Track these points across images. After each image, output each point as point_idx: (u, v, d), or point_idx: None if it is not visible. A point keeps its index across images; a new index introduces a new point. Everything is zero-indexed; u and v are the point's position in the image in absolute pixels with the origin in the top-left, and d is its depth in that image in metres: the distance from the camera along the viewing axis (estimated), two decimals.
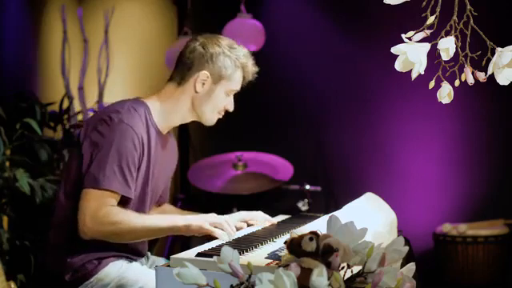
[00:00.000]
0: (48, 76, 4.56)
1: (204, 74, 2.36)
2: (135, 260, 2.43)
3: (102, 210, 2.16)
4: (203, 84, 2.37)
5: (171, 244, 4.49)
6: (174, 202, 4.95)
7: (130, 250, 2.40)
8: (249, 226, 2.48)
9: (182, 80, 2.39)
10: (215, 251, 1.92)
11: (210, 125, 2.47)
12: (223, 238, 2.19)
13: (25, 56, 4.41)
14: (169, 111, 2.39)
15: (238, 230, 2.39)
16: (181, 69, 2.40)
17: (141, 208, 2.36)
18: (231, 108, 2.46)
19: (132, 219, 2.21)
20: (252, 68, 2.46)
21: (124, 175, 2.20)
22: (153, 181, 2.39)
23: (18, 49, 4.34)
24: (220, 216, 2.30)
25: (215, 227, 2.23)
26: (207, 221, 2.23)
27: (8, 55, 4.23)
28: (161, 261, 2.54)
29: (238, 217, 2.47)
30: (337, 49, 4.88)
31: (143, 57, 4.98)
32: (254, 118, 5.13)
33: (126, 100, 2.39)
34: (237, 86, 2.43)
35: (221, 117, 2.47)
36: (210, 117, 2.43)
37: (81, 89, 4.69)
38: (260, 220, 2.49)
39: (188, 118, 2.44)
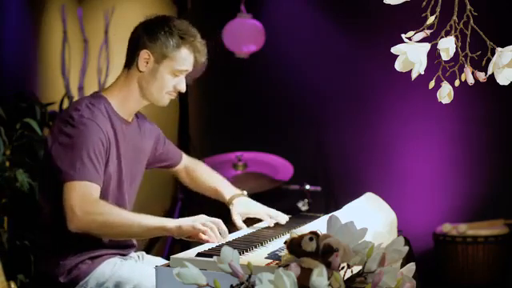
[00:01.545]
0: (48, 76, 4.56)
1: (145, 53, 2.35)
2: (127, 254, 2.43)
3: (88, 200, 2.16)
4: (146, 63, 2.35)
5: (171, 244, 4.49)
6: (174, 201, 4.94)
7: (120, 245, 2.40)
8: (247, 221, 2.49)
9: (129, 64, 2.40)
10: (215, 251, 1.92)
11: (162, 105, 2.45)
12: (213, 240, 2.16)
13: (25, 56, 4.41)
14: (125, 98, 2.40)
15: (237, 230, 2.39)
16: (127, 53, 2.42)
17: (120, 197, 2.37)
18: (182, 89, 2.42)
19: (121, 213, 2.21)
20: (200, 46, 2.40)
21: (94, 165, 2.22)
22: (127, 168, 2.40)
23: (18, 49, 4.34)
24: (212, 219, 2.27)
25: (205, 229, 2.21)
26: (199, 222, 2.20)
27: (8, 55, 4.22)
28: (155, 260, 2.53)
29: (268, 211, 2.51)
30: (337, 49, 4.88)
31: None
32: (254, 118, 5.13)
33: (83, 97, 2.42)
34: (184, 65, 2.38)
35: (173, 97, 2.44)
36: (158, 97, 2.40)
37: (81, 89, 4.69)
38: (266, 219, 2.51)
39: (143, 101, 2.43)
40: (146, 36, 2.36)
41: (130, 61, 2.40)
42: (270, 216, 2.53)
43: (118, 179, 2.37)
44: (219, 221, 2.25)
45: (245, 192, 2.66)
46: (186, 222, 2.18)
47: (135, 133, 2.49)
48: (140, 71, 2.36)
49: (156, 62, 2.35)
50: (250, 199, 2.63)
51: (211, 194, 2.74)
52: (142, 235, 2.31)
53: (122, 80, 2.41)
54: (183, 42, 2.36)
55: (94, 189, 2.21)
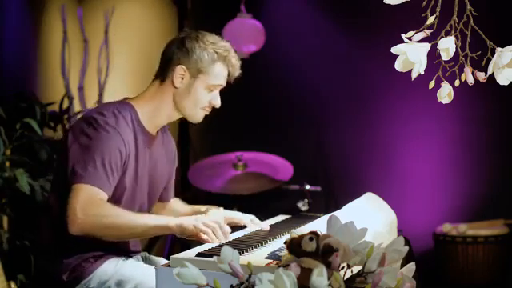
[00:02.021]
0: (48, 76, 4.56)
1: (180, 68, 2.34)
2: (131, 257, 2.43)
3: (91, 202, 2.16)
4: (182, 79, 2.35)
5: (171, 244, 4.49)
6: None
7: (123, 247, 2.40)
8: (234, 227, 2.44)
9: (162, 77, 2.38)
10: (215, 251, 1.92)
11: (195, 122, 2.44)
12: (214, 241, 2.16)
13: (25, 56, 4.41)
14: (154, 111, 2.38)
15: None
16: (161, 66, 2.40)
17: (132, 209, 2.34)
18: (217, 104, 2.42)
19: (124, 214, 2.20)
20: (234, 61, 2.41)
21: (106, 173, 2.20)
22: (143, 181, 2.38)
23: (18, 49, 4.34)
24: (215, 217, 2.27)
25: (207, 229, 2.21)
26: (202, 222, 2.19)
27: (8, 55, 4.23)
28: (161, 261, 2.54)
29: (229, 217, 2.43)
30: (337, 49, 4.88)
31: (143, 57, 4.98)
32: (254, 118, 5.13)
33: (111, 102, 2.39)
34: (218, 80, 2.39)
35: (207, 113, 2.43)
36: (193, 113, 2.40)
37: (81, 89, 4.70)
38: (249, 225, 2.44)
39: (174, 116, 2.42)
40: (181, 51, 2.36)
41: (163, 75, 2.38)
42: (253, 222, 2.48)
43: (133, 191, 2.34)
44: (222, 221, 2.26)
45: (221, 208, 2.62)
46: (188, 221, 2.19)
47: (159, 146, 2.47)
48: (175, 87, 2.36)
49: (191, 77, 2.35)
50: (226, 210, 2.59)
51: (187, 215, 2.66)
52: (145, 235, 2.31)
53: (153, 92, 2.39)
54: (218, 57, 2.36)
55: (99, 193, 2.19)
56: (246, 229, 2.44)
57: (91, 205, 2.15)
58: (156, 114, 2.39)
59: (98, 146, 2.21)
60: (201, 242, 2.21)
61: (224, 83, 2.42)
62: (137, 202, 2.38)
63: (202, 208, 2.59)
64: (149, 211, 2.50)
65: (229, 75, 2.43)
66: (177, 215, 2.55)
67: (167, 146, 2.55)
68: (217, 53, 2.36)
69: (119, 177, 2.27)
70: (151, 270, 2.16)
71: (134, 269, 2.31)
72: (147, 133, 2.38)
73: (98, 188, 2.18)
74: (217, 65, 2.37)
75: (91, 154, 2.20)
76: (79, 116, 4.36)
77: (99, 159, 2.20)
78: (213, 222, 2.20)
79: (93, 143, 2.22)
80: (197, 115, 2.41)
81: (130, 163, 2.30)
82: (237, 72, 2.44)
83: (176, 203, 2.71)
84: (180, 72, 2.34)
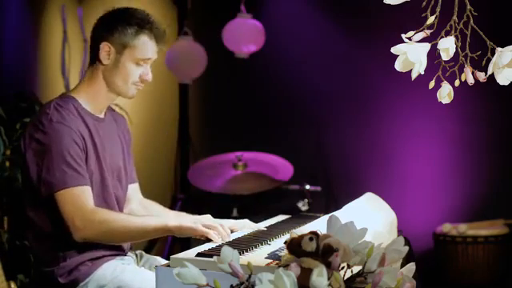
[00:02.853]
0: (48, 76, 4.56)
1: (105, 45, 2.33)
2: (126, 254, 2.42)
3: (85, 208, 2.17)
4: (108, 55, 2.34)
5: (171, 244, 4.49)
6: (174, 201, 4.95)
7: (118, 247, 2.39)
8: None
9: (92, 60, 2.39)
10: (215, 251, 1.92)
11: (129, 98, 2.42)
12: (216, 240, 2.17)
13: (25, 56, 4.41)
14: (93, 94, 2.38)
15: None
16: (90, 49, 2.40)
17: (107, 195, 2.35)
18: (149, 78, 2.39)
19: (122, 218, 2.22)
20: (158, 32, 2.38)
21: (73, 168, 2.20)
22: (107, 165, 2.37)
23: (18, 49, 4.34)
24: (215, 220, 2.28)
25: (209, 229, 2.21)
26: (201, 222, 2.21)
27: (8, 55, 4.22)
28: (155, 260, 2.53)
29: (228, 225, 2.39)
30: (337, 49, 4.88)
31: None
32: (254, 117, 5.13)
33: (51, 100, 2.39)
34: (146, 53, 2.35)
35: (140, 88, 2.41)
36: (124, 89, 2.37)
37: None
38: (247, 229, 2.41)
39: (111, 96, 2.41)
40: (103, 29, 2.36)
41: (93, 56, 2.38)
42: (249, 225, 2.46)
43: (101, 176, 2.34)
44: (222, 222, 2.26)
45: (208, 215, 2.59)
46: (186, 223, 2.19)
47: (110, 127, 2.46)
48: (103, 64, 2.35)
49: (117, 52, 2.33)
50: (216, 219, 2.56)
51: None
52: (145, 237, 2.32)
53: (88, 77, 2.39)
54: (142, 30, 2.34)
55: (83, 192, 2.20)
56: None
57: (83, 212, 2.16)
58: (95, 96, 2.38)
59: (53, 147, 2.21)
60: (203, 241, 2.21)
61: (153, 56, 2.38)
62: (109, 183, 2.37)
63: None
64: (124, 192, 2.49)
65: (156, 45, 2.38)
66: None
67: (121, 127, 2.55)
68: (139, 25, 2.34)
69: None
70: (151, 276, 2.16)
71: (134, 275, 2.31)
72: (95, 117, 2.38)
73: (76, 187, 2.19)
74: (141, 37, 2.34)
75: (51, 158, 2.20)
76: None
77: (61, 160, 2.20)
78: (213, 222, 2.21)
79: (46, 147, 2.22)
80: (129, 91, 2.39)
81: (88, 148, 2.30)
82: (163, 43, 2.41)
83: (156, 206, 2.67)
84: (105, 49, 2.34)
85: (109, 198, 2.37)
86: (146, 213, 2.60)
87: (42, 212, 2.27)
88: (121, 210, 2.45)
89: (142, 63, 2.36)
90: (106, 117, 2.45)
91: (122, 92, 2.39)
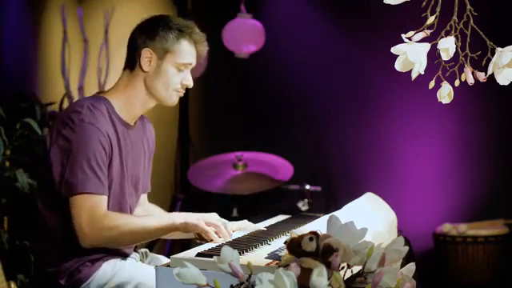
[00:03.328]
0: (48, 76, 4.56)
1: (147, 51, 2.32)
2: (128, 255, 2.42)
3: (96, 215, 2.16)
4: (150, 61, 2.32)
5: (171, 244, 4.49)
6: (174, 201, 4.95)
7: (120, 249, 2.39)
8: None
9: (131, 65, 2.36)
10: (215, 251, 1.92)
11: (170, 105, 2.41)
12: (217, 240, 2.17)
13: (25, 56, 4.41)
14: (129, 100, 2.35)
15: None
16: (128, 54, 2.38)
17: (123, 202, 2.34)
18: (190, 84, 2.38)
19: (130, 221, 2.21)
20: (199, 37, 2.37)
21: (96, 174, 2.19)
22: (129, 173, 2.36)
23: (18, 49, 4.34)
24: (220, 218, 2.29)
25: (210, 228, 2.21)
26: (204, 220, 2.21)
27: (8, 55, 4.22)
28: (160, 259, 2.54)
29: (232, 227, 2.38)
30: (337, 49, 4.88)
31: None
32: (254, 117, 5.13)
33: (85, 98, 2.38)
34: (187, 58, 2.34)
35: (181, 95, 2.40)
36: (166, 95, 2.36)
37: (81, 89, 4.70)
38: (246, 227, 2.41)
39: (149, 103, 2.39)
40: (144, 35, 2.34)
41: (132, 62, 2.35)
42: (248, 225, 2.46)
43: (121, 183, 2.33)
44: (225, 222, 2.26)
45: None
46: (192, 220, 2.20)
47: (138, 135, 2.44)
48: (144, 71, 2.33)
49: (159, 58, 2.32)
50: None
51: None
52: (154, 237, 2.32)
53: (125, 82, 2.37)
54: (182, 35, 2.33)
55: (100, 200, 2.19)
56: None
57: (95, 218, 2.15)
58: (131, 102, 2.36)
59: (79, 148, 2.19)
60: (200, 241, 2.21)
61: (193, 61, 2.38)
62: (126, 191, 2.36)
63: None
64: (137, 200, 2.49)
65: (197, 53, 2.39)
66: None
67: (147, 134, 2.53)
68: (180, 30, 2.33)
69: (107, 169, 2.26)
70: (151, 269, 2.16)
71: (133, 269, 2.31)
72: (125, 123, 2.36)
73: (95, 194, 2.18)
74: (182, 42, 2.34)
75: (75, 158, 2.18)
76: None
77: (85, 162, 2.18)
78: (216, 221, 2.21)
79: (73, 146, 2.20)
80: (171, 98, 2.38)
81: (114, 153, 2.28)
82: (204, 48, 2.40)
83: (157, 210, 2.68)
84: (146, 55, 2.32)
85: (124, 206, 2.36)
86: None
87: (54, 210, 2.25)
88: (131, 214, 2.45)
89: (182, 68, 2.35)
90: (136, 124, 2.43)
91: (162, 98, 2.37)
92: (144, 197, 2.64)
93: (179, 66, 2.34)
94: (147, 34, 2.34)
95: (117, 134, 2.30)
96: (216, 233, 2.20)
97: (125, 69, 2.39)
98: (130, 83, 2.36)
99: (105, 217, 2.17)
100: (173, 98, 2.39)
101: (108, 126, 2.27)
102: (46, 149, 2.27)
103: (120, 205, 2.34)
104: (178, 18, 2.40)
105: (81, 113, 2.23)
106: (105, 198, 2.21)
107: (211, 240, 2.19)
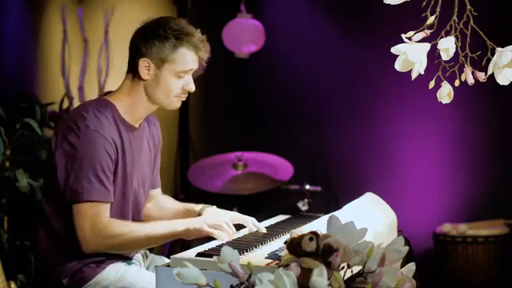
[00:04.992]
0: (48, 76, 4.56)
1: (144, 61, 2.29)
2: (132, 258, 2.43)
3: (99, 223, 2.17)
4: (148, 71, 2.30)
5: (171, 244, 4.49)
6: None
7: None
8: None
9: (133, 71, 2.34)
10: (215, 251, 1.92)
11: (173, 109, 2.40)
12: (222, 239, 2.19)
13: (25, 56, 4.41)
14: (132, 105, 2.34)
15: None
16: (130, 59, 2.36)
17: (125, 206, 2.34)
18: (191, 89, 2.34)
19: (133, 229, 2.22)
20: (198, 42, 2.32)
21: (102, 182, 2.19)
22: (133, 177, 2.36)
23: (18, 49, 4.34)
24: (220, 214, 2.29)
25: (214, 228, 2.22)
26: (206, 223, 2.22)
27: (8, 55, 4.23)
28: (160, 259, 2.54)
29: (232, 217, 2.39)
30: (337, 49, 4.88)
31: None
32: (254, 118, 5.13)
33: (90, 102, 2.36)
34: (186, 65, 2.31)
35: (184, 99, 2.38)
36: (168, 102, 2.35)
37: (81, 89, 4.69)
38: (250, 226, 2.40)
39: (152, 107, 2.38)
40: (141, 44, 2.31)
41: (132, 69, 2.34)
42: (253, 223, 2.45)
43: (123, 187, 2.33)
44: (229, 220, 2.27)
45: (214, 206, 2.59)
46: (194, 225, 2.21)
47: (142, 135, 2.43)
48: (143, 80, 2.31)
49: (157, 67, 2.29)
50: (220, 209, 2.53)
51: (180, 214, 2.57)
52: (156, 244, 2.35)
53: (129, 86, 2.35)
54: (180, 42, 2.29)
55: (104, 208, 2.20)
56: (243, 229, 2.42)
57: (97, 226, 2.16)
58: (135, 107, 2.35)
59: (85, 155, 2.19)
60: (203, 240, 2.22)
61: (194, 66, 2.34)
62: (129, 195, 2.36)
63: (197, 207, 2.55)
64: (145, 197, 2.49)
65: (199, 58, 2.35)
66: (168, 213, 2.56)
67: (152, 131, 2.52)
68: (177, 38, 2.29)
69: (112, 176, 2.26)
70: (153, 276, 2.16)
71: (136, 276, 2.31)
72: (130, 126, 2.35)
73: (99, 203, 2.18)
74: (180, 50, 2.29)
75: (81, 166, 2.19)
76: None
77: (91, 170, 2.18)
78: (218, 221, 2.22)
79: (78, 153, 2.20)
80: (172, 104, 2.36)
81: (118, 160, 2.28)
82: (205, 53, 2.36)
83: (167, 200, 2.68)
84: (144, 65, 2.30)
85: (126, 210, 2.35)
86: (159, 211, 2.61)
87: (60, 214, 2.26)
88: (139, 214, 2.45)
89: (183, 75, 2.32)
90: (141, 125, 2.42)
91: (164, 105, 2.36)
92: (157, 191, 2.64)
93: (179, 73, 2.31)
94: (144, 43, 2.30)
95: (121, 138, 2.30)
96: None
97: (128, 72, 2.37)
98: (133, 89, 2.35)
99: (107, 225, 2.18)
100: (174, 104, 2.37)
101: (113, 132, 2.27)
102: (50, 151, 2.27)
103: (121, 209, 2.33)
104: (179, 22, 2.34)
105: (86, 118, 2.23)
106: (109, 205, 2.22)
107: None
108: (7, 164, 3.55)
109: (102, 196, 2.19)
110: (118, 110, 2.33)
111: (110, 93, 2.41)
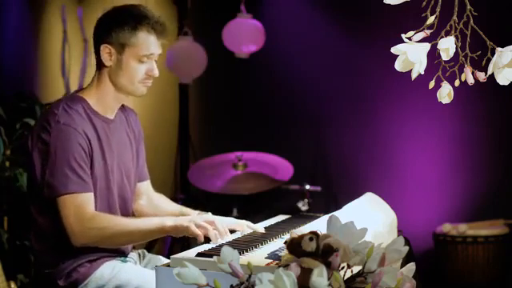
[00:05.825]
0: (48, 76, 4.57)
1: (104, 47, 2.30)
2: (127, 255, 2.42)
3: (85, 214, 2.17)
4: (110, 57, 2.31)
5: (171, 244, 4.49)
6: (174, 202, 4.94)
7: (118, 249, 2.39)
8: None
9: (97, 62, 2.36)
10: (215, 251, 1.92)
11: (139, 95, 2.40)
12: (214, 239, 2.15)
13: (25, 56, 4.42)
14: (102, 96, 2.35)
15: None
16: (94, 52, 2.37)
17: (111, 199, 2.34)
18: (155, 73, 2.34)
19: (120, 223, 2.22)
20: (157, 25, 2.32)
21: (77, 174, 2.20)
22: (114, 168, 2.36)
23: (18, 49, 4.35)
24: (213, 216, 2.27)
25: (201, 229, 2.19)
26: (194, 222, 2.18)
27: (8, 55, 4.23)
28: (158, 259, 2.53)
29: (227, 222, 2.35)
30: (337, 49, 4.88)
31: None
32: (254, 118, 5.13)
33: (61, 99, 2.37)
34: (147, 49, 2.30)
35: (149, 85, 2.37)
36: (132, 88, 2.34)
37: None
38: (245, 229, 2.37)
39: (121, 97, 2.38)
40: (102, 30, 2.32)
41: (98, 59, 2.35)
42: (248, 226, 2.44)
43: (106, 180, 2.33)
44: (221, 220, 2.25)
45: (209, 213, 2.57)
46: (182, 223, 2.18)
47: (120, 127, 2.43)
48: (107, 66, 2.32)
49: (118, 52, 2.30)
50: (216, 216, 2.48)
51: (174, 216, 2.49)
52: (144, 239, 2.32)
53: (96, 78, 2.37)
54: (138, 26, 2.29)
55: (86, 199, 2.20)
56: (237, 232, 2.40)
57: (83, 218, 2.16)
58: (104, 98, 2.36)
59: (57, 150, 2.20)
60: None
61: (155, 51, 2.34)
62: (113, 187, 2.35)
63: (193, 212, 2.54)
64: (132, 191, 2.48)
65: (157, 38, 2.33)
66: (162, 213, 2.55)
67: (130, 124, 2.52)
68: (136, 21, 2.29)
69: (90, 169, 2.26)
70: (149, 273, 2.16)
71: (132, 273, 2.31)
72: (104, 118, 2.36)
73: (79, 193, 2.18)
74: (139, 34, 2.30)
75: (54, 161, 2.19)
76: None
77: (65, 164, 2.19)
78: (205, 223, 2.19)
79: (52, 149, 2.20)
80: (138, 90, 2.36)
81: (95, 152, 2.28)
82: (164, 36, 2.35)
83: (162, 200, 2.67)
84: (105, 51, 2.31)
85: (112, 203, 2.36)
86: (153, 209, 2.60)
87: (45, 212, 2.27)
88: (128, 209, 2.45)
89: (145, 60, 2.32)
90: (116, 117, 2.42)
91: (130, 92, 2.36)
92: (147, 185, 2.63)
93: (140, 58, 2.31)
94: (104, 29, 2.32)
95: (96, 131, 2.30)
96: (205, 236, 2.17)
97: (96, 65, 2.39)
98: (99, 80, 2.36)
99: (94, 216, 2.18)
100: (140, 90, 2.37)
101: (86, 125, 2.27)
102: (27, 153, 2.28)
103: (108, 202, 2.33)
104: (137, 8, 2.35)
105: (56, 114, 2.24)
106: (90, 195, 2.22)
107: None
108: (7, 164, 3.55)
109: (79, 187, 2.19)
110: (89, 103, 2.33)
111: (82, 89, 2.42)
